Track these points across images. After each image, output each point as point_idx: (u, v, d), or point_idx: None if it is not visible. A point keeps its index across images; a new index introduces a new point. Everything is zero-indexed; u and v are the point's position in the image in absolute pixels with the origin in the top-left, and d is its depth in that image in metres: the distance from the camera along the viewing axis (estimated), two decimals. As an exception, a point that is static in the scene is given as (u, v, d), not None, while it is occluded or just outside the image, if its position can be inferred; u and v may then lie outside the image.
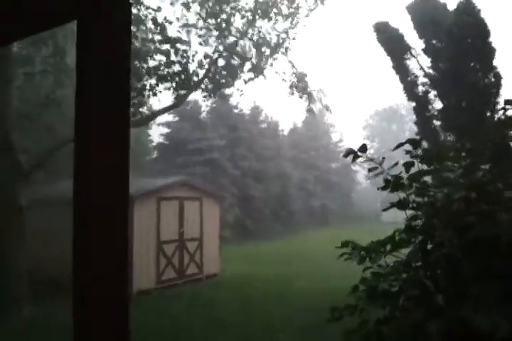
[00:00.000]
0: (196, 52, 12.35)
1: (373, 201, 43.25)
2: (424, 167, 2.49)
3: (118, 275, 0.92)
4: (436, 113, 9.67)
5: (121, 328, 0.91)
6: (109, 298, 0.90)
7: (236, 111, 29.33)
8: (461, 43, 8.95)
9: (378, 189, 2.39)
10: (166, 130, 27.42)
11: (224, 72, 13.07)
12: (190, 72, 12.08)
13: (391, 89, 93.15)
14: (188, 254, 11.98)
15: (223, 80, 13.16)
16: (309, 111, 14.71)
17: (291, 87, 13.77)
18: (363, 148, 2.31)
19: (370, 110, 74.99)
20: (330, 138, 42.04)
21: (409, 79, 9.96)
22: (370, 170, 2.37)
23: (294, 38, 13.29)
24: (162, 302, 9.60)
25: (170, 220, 11.44)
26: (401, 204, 2.31)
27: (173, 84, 11.81)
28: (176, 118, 27.19)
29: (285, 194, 29.08)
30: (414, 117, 10.43)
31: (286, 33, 13.21)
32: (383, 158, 2.37)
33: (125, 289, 0.93)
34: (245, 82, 13.36)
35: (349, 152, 2.32)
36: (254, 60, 13.21)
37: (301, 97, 13.97)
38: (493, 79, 8.98)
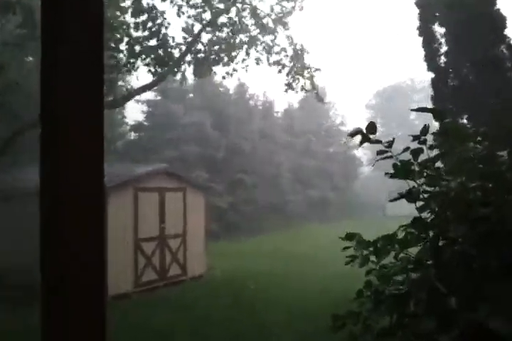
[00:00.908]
0: (169, 24, 12.03)
1: (378, 191, 43.44)
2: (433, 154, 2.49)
3: (93, 275, 0.95)
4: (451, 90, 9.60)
5: (98, 321, 0.96)
6: (85, 294, 0.94)
7: (221, 89, 29.20)
8: (466, 9, 8.89)
9: (386, 174, 2.38)
10: (145, 109, 27.27)
11: (215, 48, 12.89)
12: (170, 46, 11.93)
13: (396, 67, 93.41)
14: (170, 253, 12.01)
15: (214, 57, 12.95)
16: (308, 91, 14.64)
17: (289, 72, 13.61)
18: (372, 128, 2.29)
19: (374, 89, 75.14)
20: (331, 121, 42.06)
21: (433, 45, 9.75)
22: (378, 152, 2.36)
23: (292, 9, 13.13)
24: (141, 307, 9.64)
25: (149, 214, 11.43)
26: (411, 195, 2.31)
27: (150, 60, 11.67)
28: (158, 98, 27.06)
29: (279, 183, 29.16)
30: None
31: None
32: (393, 140, 2.34)
33: (102, 287, 0.97)
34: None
35: (356, 132, 2.29)
36: (250, 34, 13.03)
37: (291, 85, 13.77)
38: (505, 52, 8.93)
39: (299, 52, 13.42)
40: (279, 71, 13.65)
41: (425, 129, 2.43)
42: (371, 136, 2.28)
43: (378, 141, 2.30)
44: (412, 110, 2.54)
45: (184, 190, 12.62)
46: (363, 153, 47.67)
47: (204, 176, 22.47)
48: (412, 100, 56.25)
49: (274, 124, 32.91)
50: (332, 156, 38.23)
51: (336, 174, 36.95)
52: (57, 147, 0.95)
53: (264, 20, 12.94)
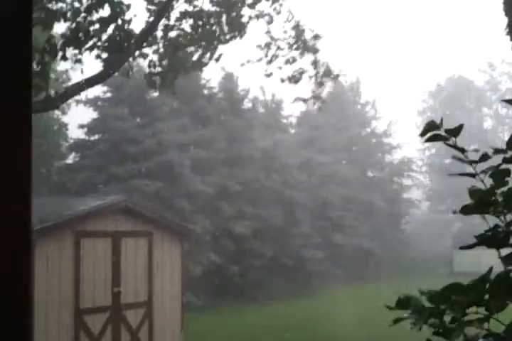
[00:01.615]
0: None
1: (437, 237, 43.23)
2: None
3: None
4: None
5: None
6: None
7: (205, 85, 29.42)
8: None
9: (454, 213, 2.36)
10: (90, 115, 27.58)
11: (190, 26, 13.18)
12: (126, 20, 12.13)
13: (454, 54, 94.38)
14: (128, 331, 11.95)
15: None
16: (316, 97, 15.58)
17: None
18: (457, 131, 2.27)
19: (426, 86, 76.18)
20: (370, 129, 42.15)
21: None
22: (454, 157, 2.34)
23: None
24: None
25: (97, 272, 11.41)
26: (494, 238, 2.27)
27: (98, 42, 11.84)
28: (108, 95, 27.31)
29: (291, 227, 29.13)
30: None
31: None
32: (487, 155, 2.31)
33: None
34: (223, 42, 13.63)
35: (432, 126, 2.28)
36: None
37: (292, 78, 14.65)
38: None
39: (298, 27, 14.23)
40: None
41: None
42: (451, 138, 2.27)
43: (461, 149, 2.27)
44: (503, 101, 2.51)
45: (150, 235, 12.61)
46: (415, 182, 47.68)
47: (179, 215, 22.47)
48: (489, 100, 56.58)
49: (284, 136, 33.01)
50: (371, 184, 38.25)
51: (377, 211, 36.92)
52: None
53: None
